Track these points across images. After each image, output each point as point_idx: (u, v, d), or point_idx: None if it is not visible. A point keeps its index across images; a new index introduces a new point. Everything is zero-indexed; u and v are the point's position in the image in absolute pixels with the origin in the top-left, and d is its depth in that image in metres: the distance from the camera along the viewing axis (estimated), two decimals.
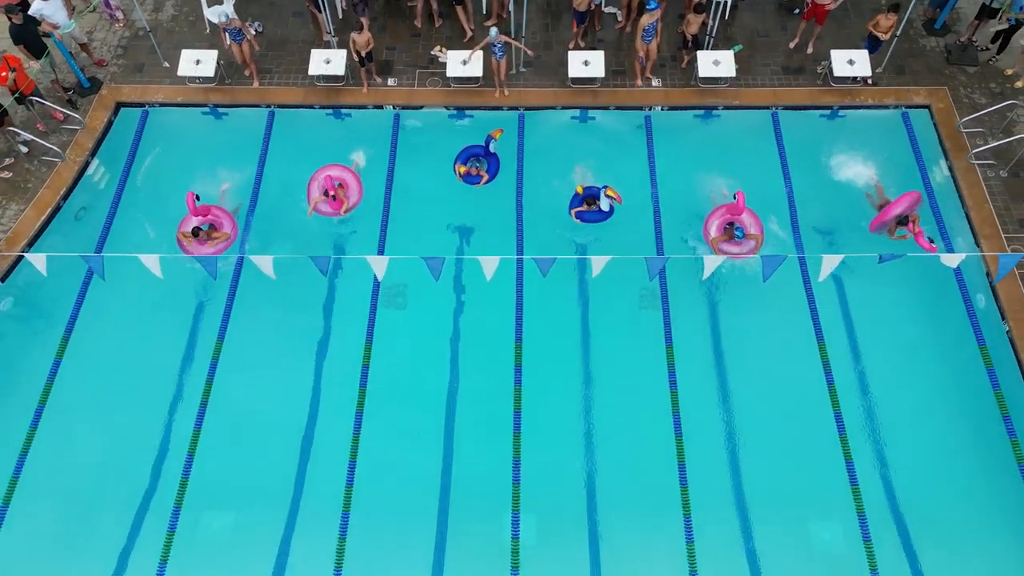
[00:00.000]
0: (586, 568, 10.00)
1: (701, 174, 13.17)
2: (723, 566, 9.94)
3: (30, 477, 10.51)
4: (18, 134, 12.80)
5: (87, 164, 13.20)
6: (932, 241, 11.46)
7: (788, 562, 10.04)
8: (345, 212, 12.29)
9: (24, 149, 13.04)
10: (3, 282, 11.85)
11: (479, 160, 12.69)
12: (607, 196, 11.72)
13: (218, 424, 11.01)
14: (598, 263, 9.23)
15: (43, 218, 12.39)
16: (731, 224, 11.63)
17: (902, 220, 11.42)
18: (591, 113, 13.91)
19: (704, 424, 10.95)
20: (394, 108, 13.89)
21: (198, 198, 11.60)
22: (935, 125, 13.40)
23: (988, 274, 11.70)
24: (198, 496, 10.45)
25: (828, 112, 13.84)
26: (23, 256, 11.95)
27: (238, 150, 13.63)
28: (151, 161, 13.59)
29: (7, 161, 12.92)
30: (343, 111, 14.05)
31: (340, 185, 12.28)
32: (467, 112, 13.96)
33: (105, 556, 10.00)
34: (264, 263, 9.37)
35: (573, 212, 12.09)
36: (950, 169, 12.91)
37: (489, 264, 9.26)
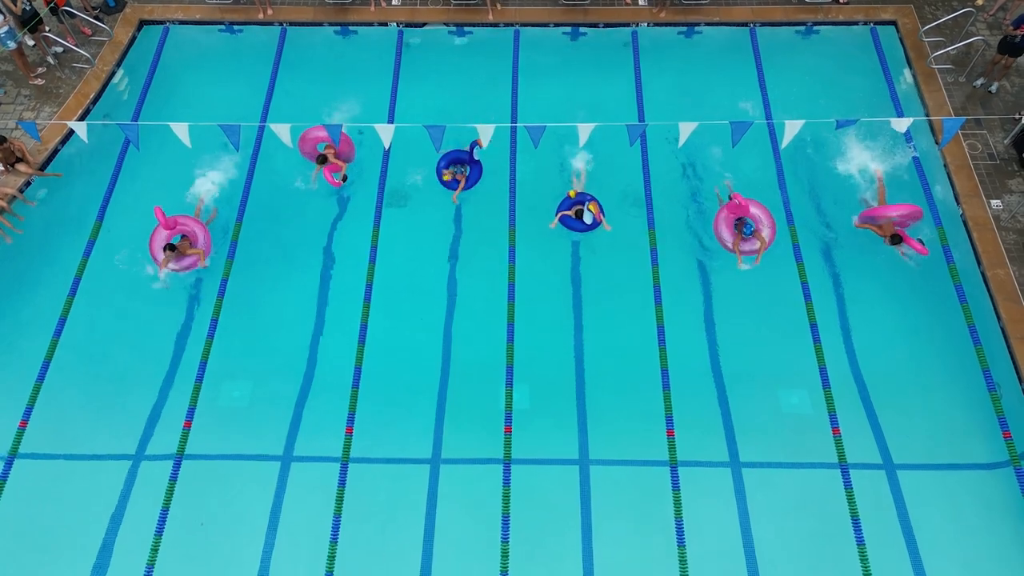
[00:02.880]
0: (574, 431, 10.93)
1: (684, 88, 14.23)
2: (699, 427, 10.86)
3: (66, 346, 11.47)
4: (54, 41, 13.84)
5: (112, 75, 14.21)
6: (922, 242, 11.53)
7: (759, 422, 10.99)
8: (343, 180, 12.70)
9: (53, 61, 14.04)
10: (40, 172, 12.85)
11: (462, 166, 12.67)
12: (589, 211, 11.79)
13: (236, 304, 11.95)
14: (584, 130, 10.24)
15: (73, 119, 13.36)
16: (739, 220, 11.77)
17: (895, 239, 11.53)
18: (582, 30, 14.93)
19: (684, 305, 11.91)
20: (398, 25, 14.89)
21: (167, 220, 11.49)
22: (901, 39, 14.43)
23: (945, 165, 12.72)
24: (218, 369, 11.39)
25: (803, 29, 14.87)
26: (57, 151, 13.06)
27: (252, 65, 14.67)
28: (170, 74, 14.60)
29: (40, 70, 13.94)
30: (350, 28, 15.06)
31: (327, 147, 12.67)
32: (466, 29, 14.97)
33: (133, 421, 10.92)
34: (282, 131, 10.36)
35: (558, 215, 12.15)
36: (914, 77, 13.93)
37: (486, 131, 10.26)
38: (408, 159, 13.17)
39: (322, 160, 12.62)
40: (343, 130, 12.45)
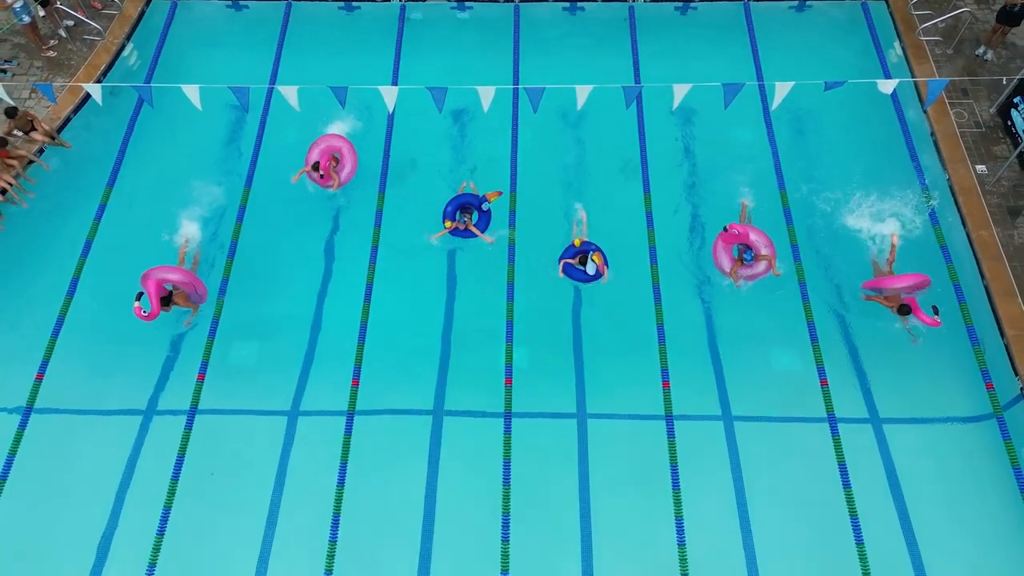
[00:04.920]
0: (572, 392, 11.29)
1: (680, 62, 14.62)
2: (694, 384, 11.24)
3: (80, 304, 11.88)
4: (66, 13, 14.24)
5: (122, 48, 14.58)
6: (937, 312, 10.88)
7: (751, 376, 11.39)
8: (337, 187, 12.61)
9: (64, 34, 14.41)
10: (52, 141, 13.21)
11: (468, 211, 12.31)
12: (593, 261, 11.58)
13: (245, 264, 12.35)
14: (582, 92, 10.62)
15: (84, 92, 13.72)
16: (743, 248, 11.68)
17: (903, 309, 10.96)
18: (580, 5, 15.31)
19: (679, 269, 12.30)
20: (400, 0, 15.29)
21: (140, 295, 10.82)
22: (891, 12, 14.83)
23: (933, 134, 13.13)
24: (229, 325, 11.79)
25: (796, 4, 15.26)
26: (69, 119, 13.44)
27: (258, 38, 15.05)
28: (179, 47, 14.98)
29: (52, 42, 14.30)
30: (353, 3, 15.44)
31: (335, 157, 12.59)
32: (467, 4, 15.34)
33: (147, 374, 11.34)
34: (290, 93, 10.74)
35: (562, 263, 11.86)
36: (903, 49, 14.32)
37: (486, 94, 10.63)
38: (412, 128, 13.55)
39: (316, 167, 12.38)
40: (348, 140, 12.77)
